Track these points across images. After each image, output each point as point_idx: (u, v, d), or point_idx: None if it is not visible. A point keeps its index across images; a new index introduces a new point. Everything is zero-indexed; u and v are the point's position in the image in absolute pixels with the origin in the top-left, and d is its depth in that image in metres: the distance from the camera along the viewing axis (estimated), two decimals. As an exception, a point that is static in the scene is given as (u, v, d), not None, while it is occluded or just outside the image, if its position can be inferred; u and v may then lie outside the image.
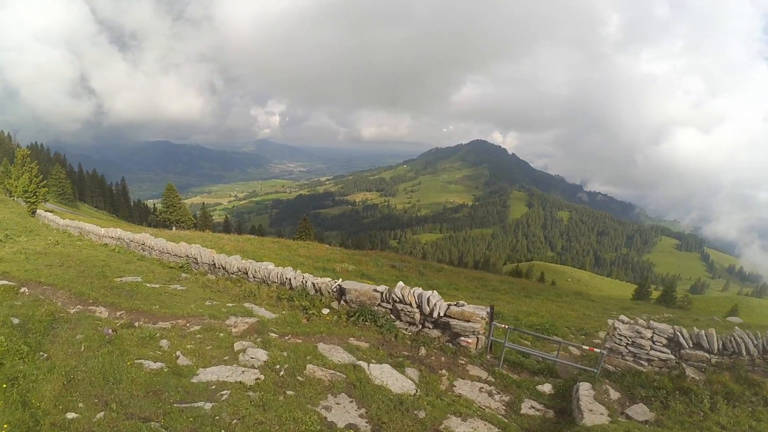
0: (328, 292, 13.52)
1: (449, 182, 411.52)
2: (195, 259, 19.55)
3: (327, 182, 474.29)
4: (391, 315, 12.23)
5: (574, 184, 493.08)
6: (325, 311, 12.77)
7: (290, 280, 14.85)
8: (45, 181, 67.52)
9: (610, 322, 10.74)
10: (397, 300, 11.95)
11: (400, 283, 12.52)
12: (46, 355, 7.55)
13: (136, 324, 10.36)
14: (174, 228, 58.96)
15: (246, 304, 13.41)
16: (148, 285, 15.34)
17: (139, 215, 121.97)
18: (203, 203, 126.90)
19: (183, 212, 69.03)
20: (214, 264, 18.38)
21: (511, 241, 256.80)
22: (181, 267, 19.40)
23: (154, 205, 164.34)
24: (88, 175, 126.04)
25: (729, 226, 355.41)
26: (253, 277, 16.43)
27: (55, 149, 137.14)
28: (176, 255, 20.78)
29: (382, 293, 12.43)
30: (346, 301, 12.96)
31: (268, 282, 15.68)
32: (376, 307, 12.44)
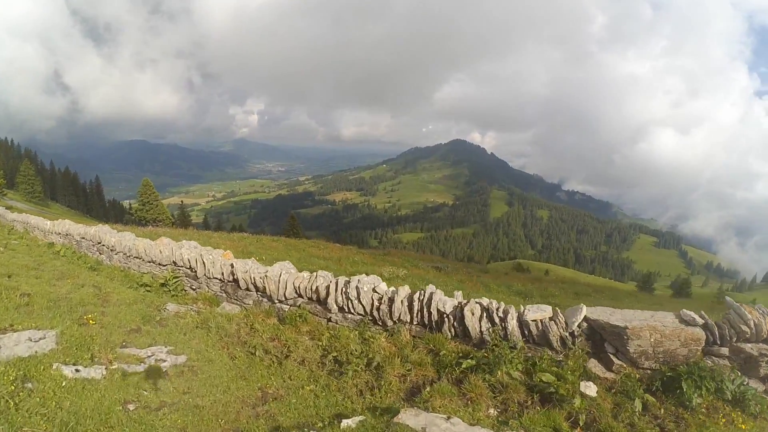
0: (569, 339, 6.56)
1: (429, 182, 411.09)
2: (191, 268, 11.54)
3: (306, 182, 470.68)
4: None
5: (552, 184, 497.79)
6: (591, 391, 5.91)
7: (456, 311, 7.35)
8: (2, 179, 64.26)
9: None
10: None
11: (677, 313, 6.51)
12: None
13: None
14: (150, 227, 56.03)
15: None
16: (67, 373, 5.82)
17: (114, 215, 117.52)
18: (182, 202, 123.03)
19: (160, 210, 65.79)
20: (236, 279, 10.11)
21: (492, 239, 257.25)
22: (163, 285, 11.33)
23: (130, 204, 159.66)
24: (60, 173, 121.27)
25: (706, 223, 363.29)
26: (350, 309, 8.19)
27: (30, 148, 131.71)
28: (154, 261, 12.82)
29: (707, 329, 6.20)
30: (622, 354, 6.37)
31: (393, 318, 7.81)
32: (703, 362, 6.07)
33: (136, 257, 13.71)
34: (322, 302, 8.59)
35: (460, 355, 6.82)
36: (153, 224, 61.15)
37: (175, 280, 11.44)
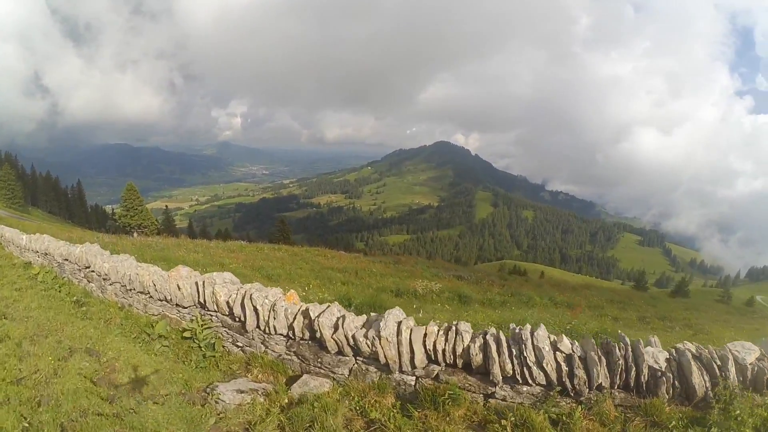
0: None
1: (414, 183, 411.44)
2: (233, 315, 7.98)
3: (291, 185, 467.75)
4: None
5: (536, 184, 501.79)
6: None
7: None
8: None
9: None
10: None
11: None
12: None
13: None
14: (135, 234, 54.30)
15: None
16: None
17: (96, 221, 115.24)
18: (166, 206, 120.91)
19: (145, 216, 63.71)
20: (318, 338, 6.84)
21: (478, 240, 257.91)
22: (188, 338, 8.11)
23: (113, 209, 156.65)
24: (41, 178, 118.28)
25: (688, 221, 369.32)
26: (526, 378, 5.67)
27: (9, 152, 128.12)
28: (169, 301, 9.16)
29: None
30: None
31: (591, 386, 5.52)
32: None
33: (142, 292, 9.89)
34: (477, 371, 5.89)
35: (685, 422, 5.06)
36: (138, 231, 59.51)
37: (206, 332, 8.01)
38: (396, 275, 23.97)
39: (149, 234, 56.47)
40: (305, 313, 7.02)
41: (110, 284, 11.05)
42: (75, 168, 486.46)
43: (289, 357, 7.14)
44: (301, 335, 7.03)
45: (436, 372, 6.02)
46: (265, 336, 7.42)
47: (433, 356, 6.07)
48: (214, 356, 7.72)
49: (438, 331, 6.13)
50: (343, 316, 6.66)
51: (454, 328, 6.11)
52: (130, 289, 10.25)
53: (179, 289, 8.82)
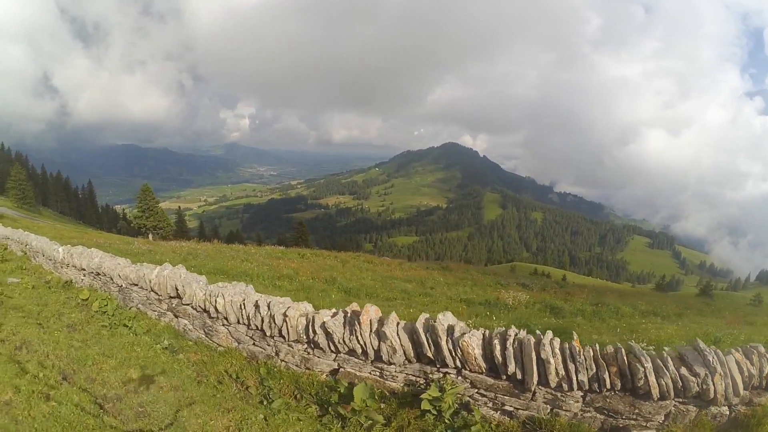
0: None
1: (422, 185, 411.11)
2: (487, 370, 5.91)
3: (299, 186, 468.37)
4: None
5: (544, 186, 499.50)
6: None
7: None
8: None
9: None
10: None
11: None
12: None
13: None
14: (150, 236, 54.19)
15: None
16: None
17: (107, 221, 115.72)
18: (179, 207, 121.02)
19: (161, 217, 63.42)
20: None
21: (487, 242, 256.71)
22: (421, 403, 5.75)
23: (123, 210, 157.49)
24: (52, 178, 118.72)
25: (698, 223, 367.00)
26: None
27: (19, 151, 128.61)
28: (356, 353, 6.61)
29: None
30: None
31: None
32: None
33: (297, 341, 7.15)
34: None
35: None
36: (153, 232, 59.42)
37: (450, 397, 5.76)
38: (461, 284, 23.03)
39: (165, 236, 56.31)
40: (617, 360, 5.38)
41: (224, 324, 8.18)
42: (83, 168, 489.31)
43: (589, 414, 5.56)
44: (610, 386, 5.39)
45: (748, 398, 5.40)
46: (557, 393, 5.54)
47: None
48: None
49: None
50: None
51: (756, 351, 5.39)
52: (272, 335, 7.44)
53: (383, 338, 6.17)
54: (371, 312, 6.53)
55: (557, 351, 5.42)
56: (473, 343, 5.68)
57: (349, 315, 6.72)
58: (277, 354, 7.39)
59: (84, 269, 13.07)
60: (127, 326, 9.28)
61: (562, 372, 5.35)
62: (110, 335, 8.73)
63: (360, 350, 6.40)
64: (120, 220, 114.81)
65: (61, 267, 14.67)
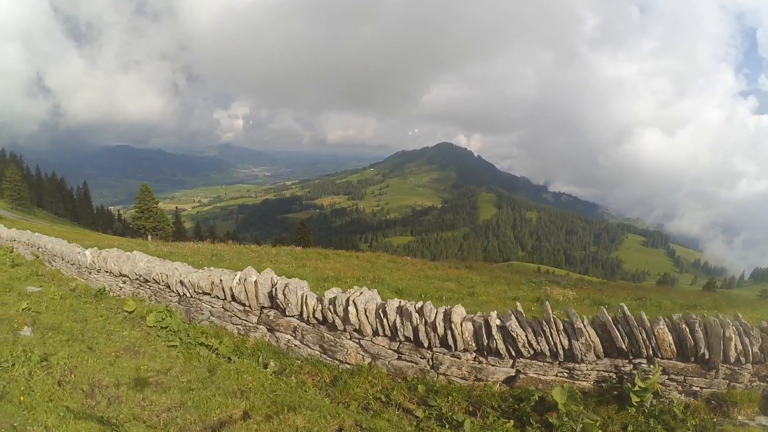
0: None
1: (417, 185, 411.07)
2: None
3: (293, 186, 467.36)
4: None
5: (538, 185, 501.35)
6: None
7: None
8: None
9: None
10: None
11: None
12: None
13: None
14: (150, 237, 53.83)
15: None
16: None
17: (103, 223, 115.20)
18: (176, 208, 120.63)
19: (160, 218, 62.92)
20: None
21: (482, 242, 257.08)
22: None
23: (118, 211, 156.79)
24: (46, 179, 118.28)
25: (692, 222, 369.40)
26: None
27: (13, 152, 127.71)
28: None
29: None
30: None
31: None
32: None
33: (488, 352, 6.36)
34: None
35: None
36: (152, 233, 59.06)
37: None
38: (496, 283, 22.17)
39: (165, 237, 55.95)
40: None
41: (354, 338, 7.05)
42: (77, 170, 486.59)
43: (755, 383, 5.95)
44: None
45: None
46: (735, 367, 5.88)
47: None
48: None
49: None
50: None
51: None
52: (429, 347, 6.53)
53: (575, 336, 5.95)
54: (549, 311, 6.21)
55: (737, 327, 5.77)
56: (666, 330, 5.79)
57: (497, 317, 6.38)
58: (435, 367, 6.52)
59: (125, 275, 11.50)
60: (207, 345, 7.89)
61: (740, 347, 5.65)
62: (187, 358, 7.46)
63: (549, 352, 6.02)
64: (115, 222, 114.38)
65: (89, 273, 13.13)
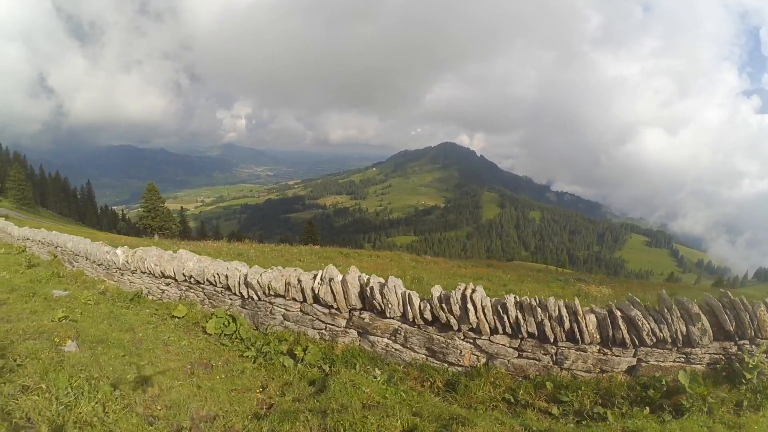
0: None
1: (420, 185, 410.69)
2: None
3: (296, 186, 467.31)
4: None
5: (541, 185, 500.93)
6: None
7: None
8: None
9: None
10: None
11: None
12: None
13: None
14: (156, 236, 53.74)
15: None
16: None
17: (107, 222, 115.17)
18: (181, 207, 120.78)
19: (167, 217, 62.99)
20: None
21: (485, 241, 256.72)
22: None
23: (122, 211, 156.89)
24: (50, 179, 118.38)
25: (695, 222, 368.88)
26: None
27: (15, 151, 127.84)
28: None
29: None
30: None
31: None
32: None
33: (612, 343, 6.37)
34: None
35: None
36: (159, 232, 59.02)
37: None
38: (526, 281, 22.05)
39: (171, 236, 55.88)
40: None
41: (469, 338, 6.72)
42: (79, 170, 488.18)
43: None
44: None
45: None
46: None
47: None
48: None
49: None
50: None
51: None
52: (554, 342, 6.42)
53: (692, 322, 6.17)
54: (667, 298, 6.41)
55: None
56: (766, 311, 6.01)
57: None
58: (558, 363, 6.43)
59: (169, 277, 10.45)
60: (291, 355, 7.30)
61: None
62: (269, 370, 6.90)
63: (670, 339, 6.11)
64: (120, 221, 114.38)
65: (121, 274, 12.16)
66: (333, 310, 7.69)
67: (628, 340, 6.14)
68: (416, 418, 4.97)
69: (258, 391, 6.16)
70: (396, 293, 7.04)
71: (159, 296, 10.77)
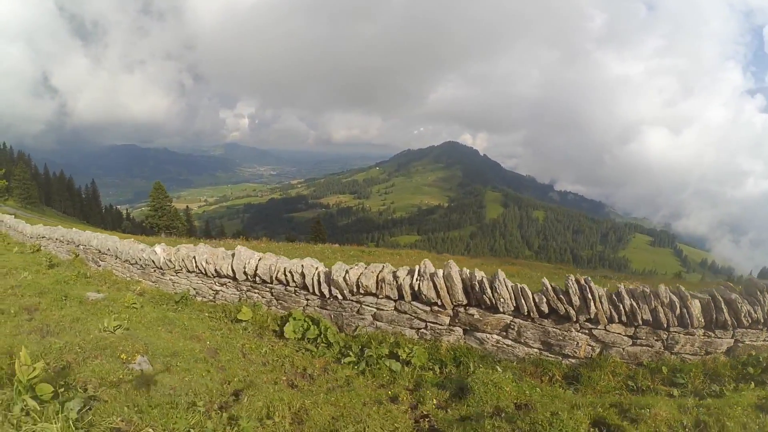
0: None
1: (423, 184, 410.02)
2: None
3: (299, 185, 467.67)
4: None
5: (544, 184, 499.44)
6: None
7: None
8: (4, 180, 59.86)
9: None
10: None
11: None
12: None
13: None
14: (163, 235, 53.85)
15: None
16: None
17: (111, 221, 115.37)
18: (187, 207, 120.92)
19: (174, 216, 63.22)
20: None
21: (489, 241, 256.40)
22: None
23: (126, 210, 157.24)
24: (55, 178, 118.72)
25: (699, 221, 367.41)
26: None
27: (20, 150, 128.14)
28: None
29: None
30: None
31: None
32: None
33: (715, 326, 6.63)
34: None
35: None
36: (166, 231, 59.19)
37: None
38: (554, 277, 22.19)
39: (178, 235, 56.03)
40: None
41: (586, 329, 6.83)
42: (82, 169, 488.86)
43: None
44: None
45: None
46: None
47: None
48: None
49: None
50: None
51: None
52: (666, 328, 6.63)
53: None
54: (757, 281, 6.78)
55: None
56: None
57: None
58: (669, 348, 6.62)
59: (226, 276, 9.64)
60: (395, 357, 6.90)
61: None
62: (376, 376, 6.58)
63: (762, 320, 6.38)
64: (124, 221, 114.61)
65: (162, 274, 11.33)
66: (436, 308, 7.36)
67: (729, 322, 6.42)
68: (595, 409, 5.00)
69: (386, 400, 5.74)
70: (507, 287, 6.94)
71: (211, 297, 10.09)
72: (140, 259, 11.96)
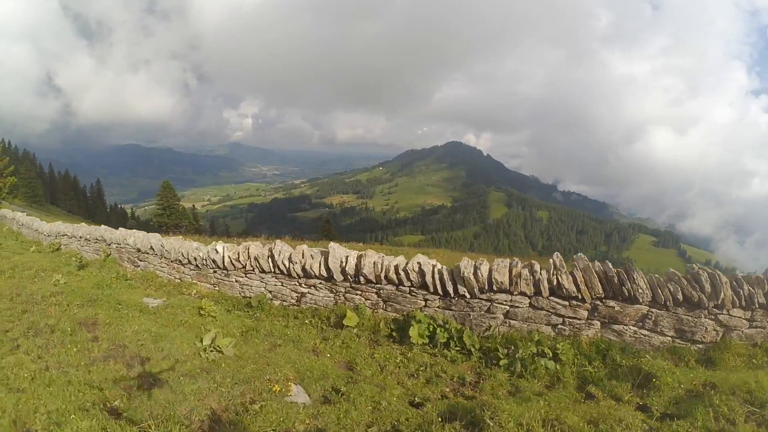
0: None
1: (426, 184, 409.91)
2: None
3: (302, 185, 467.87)
4: None
5: (548, 184, 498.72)
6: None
7: None
8: (13, 177, 59.73)
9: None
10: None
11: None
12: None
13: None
14: (171, 234, 53.91)
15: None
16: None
17: (116, 220, 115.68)
18: (193, 206, 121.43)
19: (183, 215, 63.40)
20: None
21: (493, 241, 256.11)
22: None
23: (131, 209, 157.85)
24: (59, 177, 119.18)
25: (703, 222, 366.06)
26: None
27: (24, 149, 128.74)
28: None
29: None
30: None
31: None
32: None
33: None
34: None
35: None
36: (174, 230, 59.35)
37: None
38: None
39: (187, 234, 56.18)
40: None
41: (723, 312, 7.05)
42: (87, 169, 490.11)
43: None
44: None
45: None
46: None
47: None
48: None
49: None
50: None
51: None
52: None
53: None
54: None
55: None
56: None
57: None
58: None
59: (316, 276, 8.89)
60: (542, 355, 6.72)
61: None
62: (539, 379, 6.41)
63: None
64: (129, 220, 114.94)
65: (226, 275, 10.50)
66: (574, 302, 7.34)
67: None
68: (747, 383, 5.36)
69: (597, 401, 5.52)
70: (644, 278, 7.22)
71: (294, 301, 9.31)
72: (195, 258, 11.12)
